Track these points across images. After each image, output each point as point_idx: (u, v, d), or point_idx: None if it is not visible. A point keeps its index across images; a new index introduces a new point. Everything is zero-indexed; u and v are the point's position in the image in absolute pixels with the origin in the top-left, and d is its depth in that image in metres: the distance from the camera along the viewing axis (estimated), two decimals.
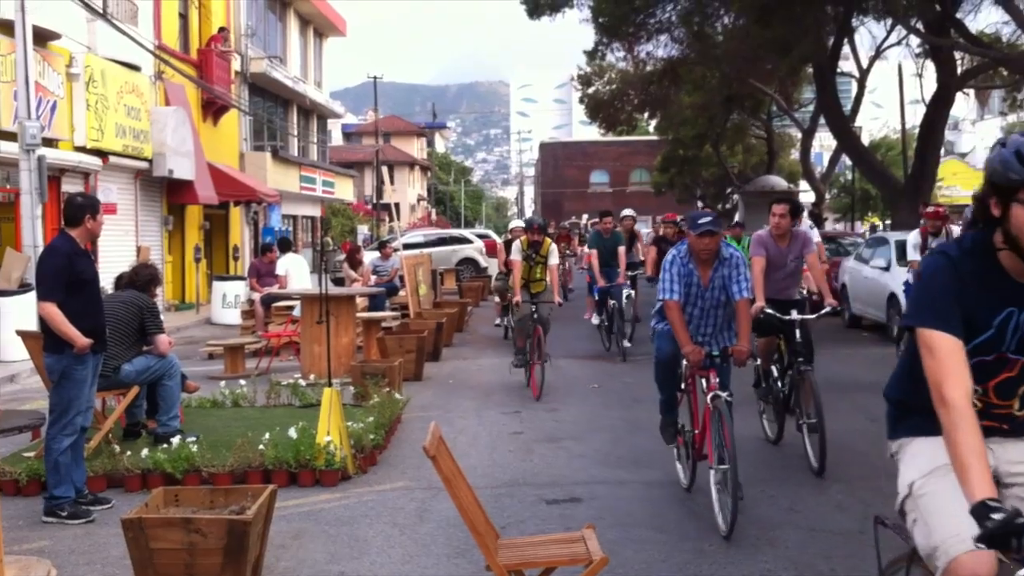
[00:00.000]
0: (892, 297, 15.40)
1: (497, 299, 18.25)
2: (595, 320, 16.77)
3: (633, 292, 16.24)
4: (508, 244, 15.96)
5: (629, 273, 16.07)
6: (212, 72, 27.36)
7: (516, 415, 10.53)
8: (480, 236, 36.55)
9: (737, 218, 28.62)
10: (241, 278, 23.01)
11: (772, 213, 8.55)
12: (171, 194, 24.65)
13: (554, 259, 12.30)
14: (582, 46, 31.73)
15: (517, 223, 17.37)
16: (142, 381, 8.66)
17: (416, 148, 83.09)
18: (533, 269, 12.27)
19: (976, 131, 78.69)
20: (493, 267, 30.74)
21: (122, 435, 8.74)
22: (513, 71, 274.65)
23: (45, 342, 6.86)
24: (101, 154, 20.44)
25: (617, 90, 41.71)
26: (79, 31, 19.75)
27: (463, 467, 4.93)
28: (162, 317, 9.33)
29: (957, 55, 22.84)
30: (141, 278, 9.10)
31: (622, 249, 15.56)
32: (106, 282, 12.04)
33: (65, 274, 6.76)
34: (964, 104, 54.55)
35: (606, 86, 43.11)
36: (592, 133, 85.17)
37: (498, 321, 18.57)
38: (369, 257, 21.48)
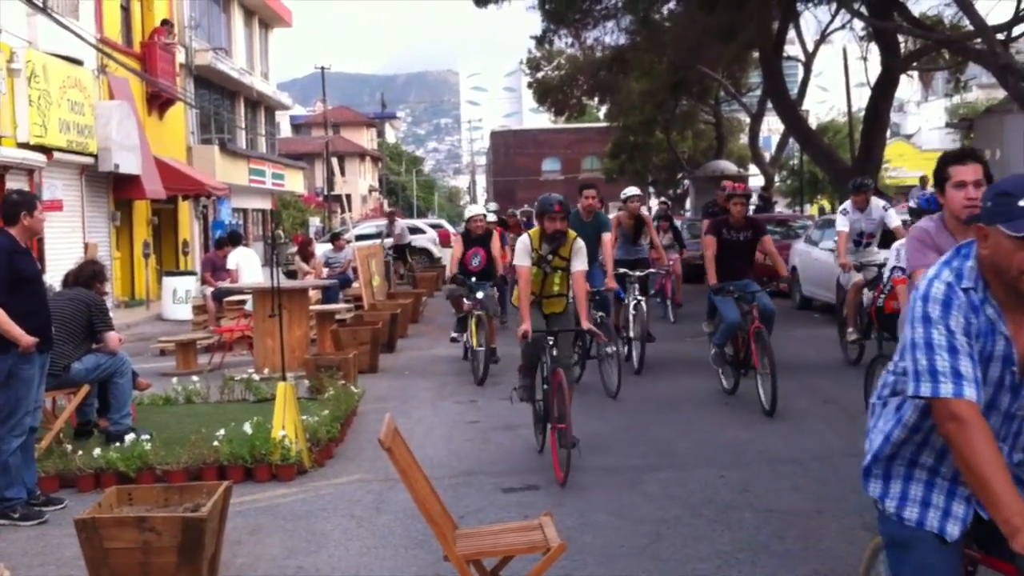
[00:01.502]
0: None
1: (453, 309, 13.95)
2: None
3: (643, 299, 12.02)
4: (468, 236, 12.80)
5: (637, 273, 12.04)
6: (156, 65, 27.03)
7: (472, 404, 10.53)
8: (433, 226, 36.50)
9: (689, 202, 28.74)
10: (191, 273, 22.79)
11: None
12: (118, 189, 24.33)
13: (581, 263, 8.04)
14: (531, 34, 31.79)
15: (476, 209, 13.63)
16: (92, 379, 8.55)
17: (366, 139, 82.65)
18: (549, 279, 8.17)
19: (921, 113, 79.78)
20: (447, 257, 30.77)
21: (73, 434, 8.62)
22: (462, 60, 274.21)
23: None
24: (45, 150, 20.09)
25: (566, 75, 41.80)
26: (19, 26, 19.42)
27: (420, 458, 4.92)
28: (111, 314, 9.21)
29: (901, 38, 23.08)
30: (85, 274, 8.98)
31: (607, 237, 11.39)
32: (55, 280, 11.87)
33: (5, 273, 6.64)
34: (908, 86, 55.31)
35: (555, 71, 43.18)
36: (543, 121, 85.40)
37: (454, 335, 13.93)
38: (321, 249, 21.38)
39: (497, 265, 13.02)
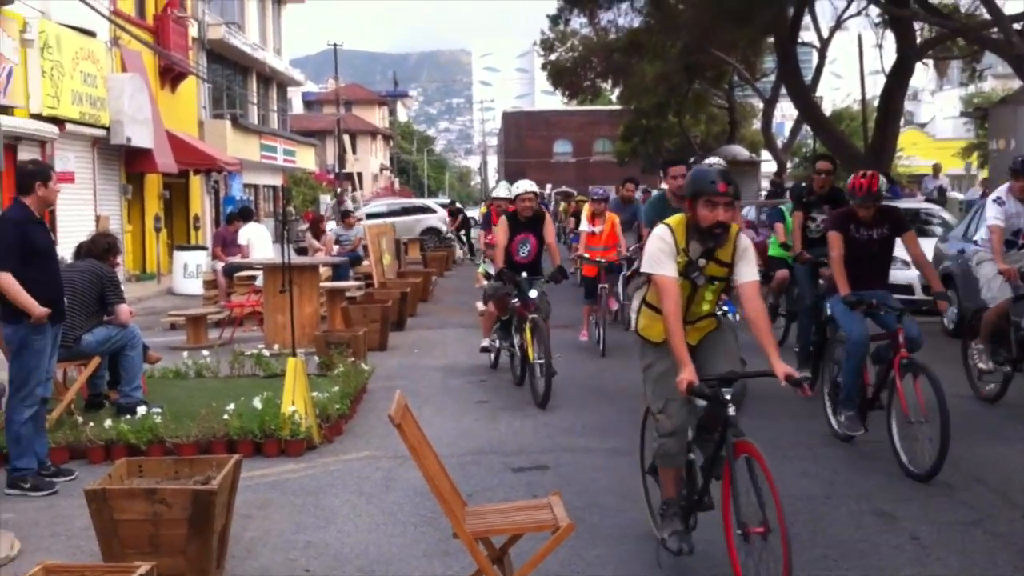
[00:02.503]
0: None
1: (485, 306, 11.06)
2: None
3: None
4: (515, 220, 10.27)
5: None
6: (169, 38, 27.00)
7: (482, 384, 10.53)
8: (443, 206, 36.47)
9: None
10: (202, 248, 22.80)
11: None
12: (129, 162, 24.34)
13: (751, 271, 5.20)
14: (544, 15, 31.68)
15: (525, 185, 10.47)
16: (103, 351, 8.57)
17: (378, 117, 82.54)
18: (699, 294, 5.26)
19: (935, 101, 79.31)
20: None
21: (84, 406, 8.64)
22: (475, 40, 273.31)
23: (2, 312, 6.75)
24: (57, 121, 20.10)
25: (580, 57, 41.63)
26: None
27: (429, 436, 4.92)
28: (122, 287, 9.23)
29: (916, 25, 22.93)
30: (99, 247, 9.01)
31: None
32: (66, 252, 11.90)
33: (18, 243, 6.65)
34: (923, 74, 54.95)
35: (568, 53, 43.00)
36: (555, 103, 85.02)
37: (486, 343, 11.12)
38: (332, 227, 21.39)
39: (554, 255, 10.52)
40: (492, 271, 10.96)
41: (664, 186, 9.07)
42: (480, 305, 11.76)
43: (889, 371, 7.04)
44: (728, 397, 4.71)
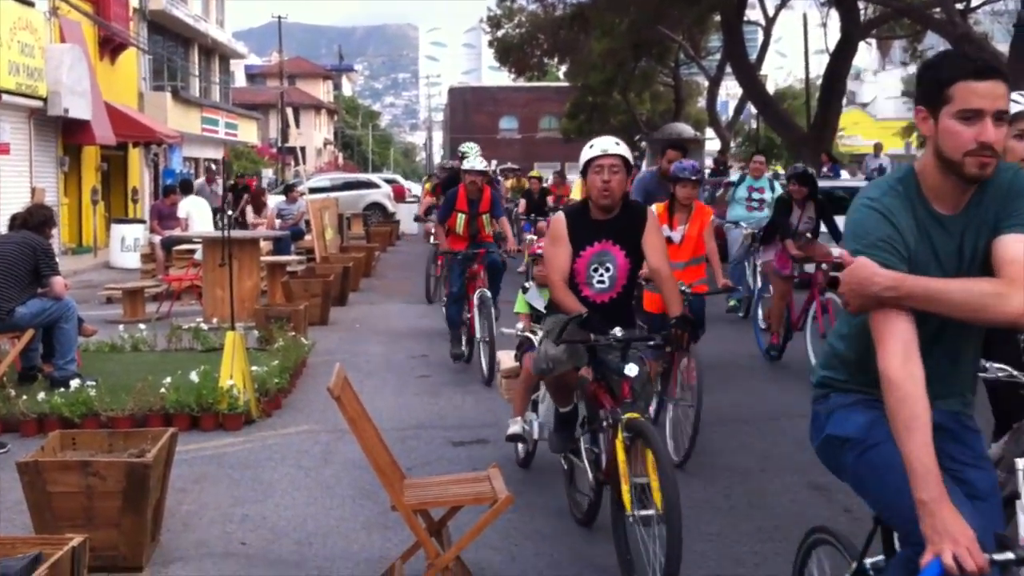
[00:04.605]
0: None
1: (518, 362, 6.65)
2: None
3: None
4: (580, 217, 5.31)
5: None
6: (109, 9, 26.47)
7: (424, 359, 10.51)
8: (388, 181, 36.28)
9: (644, 165, 28.76)
10: (141, 221, 22.47)
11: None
12: (67, 134, 23.87)
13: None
14: None
15: (600, 145, 5.28)
16: (37, 324, 8.42)
17: (322, 91, 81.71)
18: None
19: (877, 81, 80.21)
20: (402, 213, 30.59)
21: (17, 379, 8.47)
22: (422, 14, 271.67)
23: None
24: None
25: (527, 34, 41.51)
26: None
27: (370, 410, 4.90)
28: (58, 260, 9.07)
29: (861, 5, 23.21)
30: (35, 219, 8.83)
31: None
32: (0, 225, 11.66)
33: None
34: (866, 54, 55.59)
35: (516, 29, 42.86)
36: (502, 79, 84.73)
37: (517, 428, 6.16)
38: (274, 201, 21.18)
39: (668, 293, 5.40)
40: (538, 303, 6.84)
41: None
42: (505, 358, 7.13)
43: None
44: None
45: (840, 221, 8.09)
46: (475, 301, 9.48)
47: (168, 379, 7.82)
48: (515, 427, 6.14)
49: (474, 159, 9.78)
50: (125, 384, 8.01)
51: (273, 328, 10.24)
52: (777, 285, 9.90)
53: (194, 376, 7.82)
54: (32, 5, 21.73)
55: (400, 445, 6.86)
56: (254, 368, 8.18)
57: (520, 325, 6.81)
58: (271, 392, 8.14)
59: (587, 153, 5.23)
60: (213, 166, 35.00)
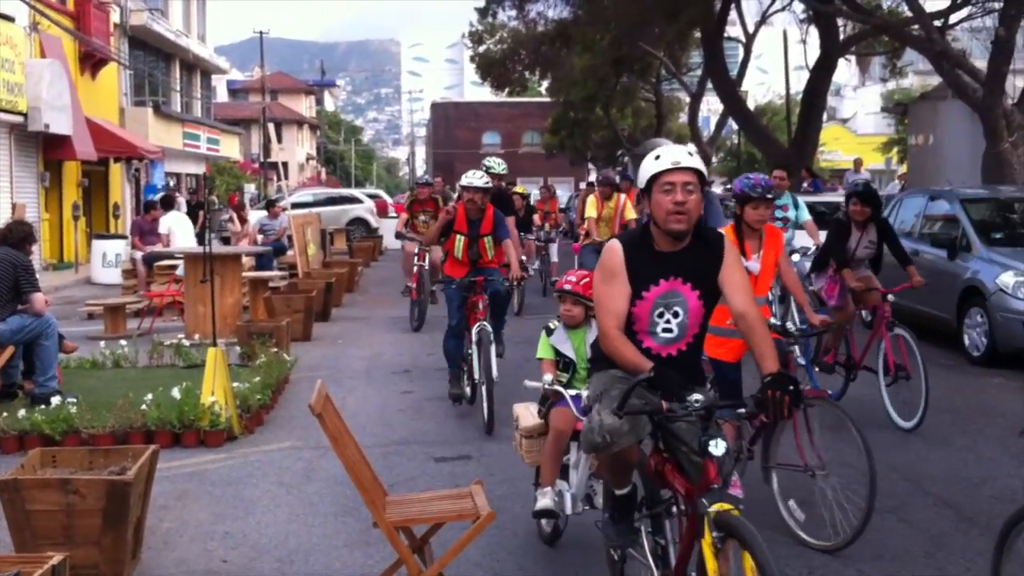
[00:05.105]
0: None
1: (543, 419, 5.42)
2: None
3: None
4: (632, 240, 4.14)
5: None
6: (90, 24, 26.39)
7: (406, 375, 10.50)
8: (371, 196, 36.26)
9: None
10: (122, 237, 22.37)
11: None
12: (48, 150, 23.76)
13: None
14: (473, 6, 31.56)
15: (669, 155, 4.05)
16: (17, 341, 8.38)
17: (305, 106, 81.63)
18: None
19: (857, 97, 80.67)
20: (385, 228, 30.52)
21: None
22: (404, 30, 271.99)
23: None
24: None
25: (509, 50, 41.59)
26: None
27: (352, 427, 4.90)
28: (38, 276, 9.03)
29: (840, 22, 23.36)
30: (15, 235, 8.79)
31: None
32: None
33: None
34: (846, 71, 55.87)
35: (497, 45, 42.95)
36: (484, 94, 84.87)
37: (547, 501, 5.17)
38: (256, 216, 21.14)
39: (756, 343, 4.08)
40: (566, 347, 5.63)
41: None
42: (526, 413, 5.78)
43: None
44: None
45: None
46: (473, 336, 8.41)
47: (149, 396, 7.79)
48: (544, 500, 5.14)
49: (472, 174, 8.75)
50: (106, 401, 7.98)
51: (255, 344, 10.21)
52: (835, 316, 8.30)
53: (176, 392, 7.79)
54: (12, 20, 21.65)
55: (382, 461, 6.85)
56: (236, 384, 8.16)
57: (548, 377, 5.35)
58: (253, 408, 8.11)
59: (652, 166, 4.02)
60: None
